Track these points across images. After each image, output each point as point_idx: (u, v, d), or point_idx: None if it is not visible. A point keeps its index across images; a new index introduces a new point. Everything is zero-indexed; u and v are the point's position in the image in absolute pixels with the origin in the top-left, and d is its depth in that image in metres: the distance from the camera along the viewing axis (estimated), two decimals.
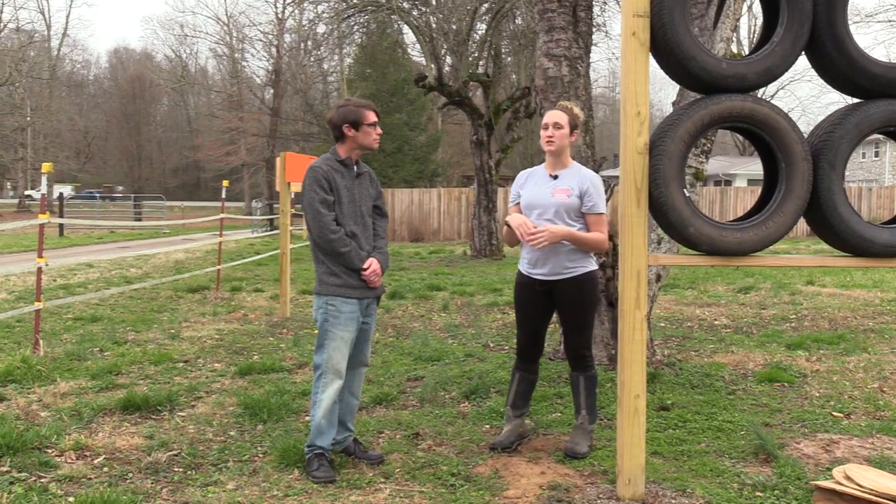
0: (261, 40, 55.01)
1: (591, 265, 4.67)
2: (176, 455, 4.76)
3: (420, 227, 28.44)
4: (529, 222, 4.51)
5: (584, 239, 4.54)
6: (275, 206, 32.35)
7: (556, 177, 4.67)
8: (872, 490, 3.81)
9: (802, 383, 6.38)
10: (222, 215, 12.31)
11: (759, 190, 28.75)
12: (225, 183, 12.42)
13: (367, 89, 38.23)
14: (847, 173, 49.84)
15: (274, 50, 53.04)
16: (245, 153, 52.98)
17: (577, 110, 4.74)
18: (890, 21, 38.04)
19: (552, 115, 4.67)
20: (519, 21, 19.67)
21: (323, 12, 22.58)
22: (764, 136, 3.86)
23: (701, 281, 13.70)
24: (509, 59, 20.92)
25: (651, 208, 3.89)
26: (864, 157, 52.74)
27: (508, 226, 4.62)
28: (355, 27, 23.44)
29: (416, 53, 35.18)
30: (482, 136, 19.04)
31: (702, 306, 10.98)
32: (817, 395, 6.06)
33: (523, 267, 4.80)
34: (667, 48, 3.80)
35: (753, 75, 3.83)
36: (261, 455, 4.77)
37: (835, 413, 5.57)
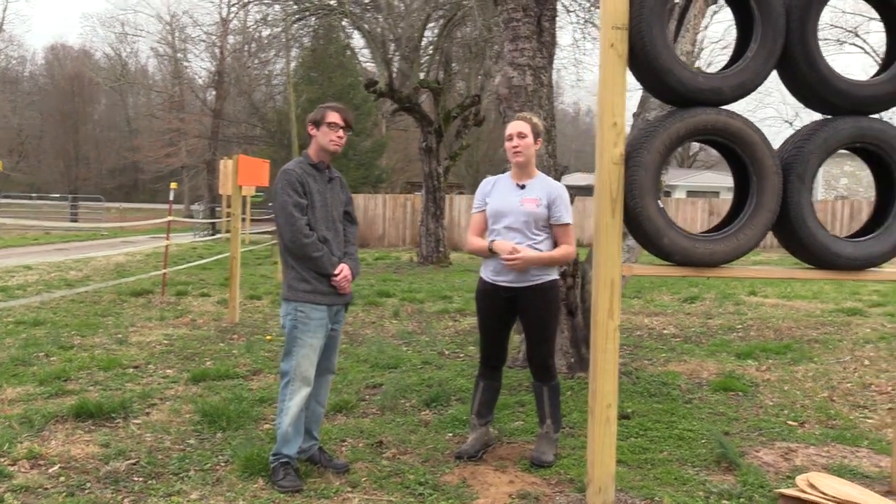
0: (204, 41, 54.26)
1: (554, 274, 4.73)
2: (134, 464, 4.64)
3: (365, 233, 28.28)
4: (511, 246, 4.55)
5: (554, 258, 4.63)
6: (216, 209, 31.95)
7: (523, 186, 4.70)
8: (836, 497, 3.89)
9: (756, 392, 6.50)
10: (170, 218, 12.08)
11: (698, 202, 29.28)
12: (173, 185, 12.19)
13: (312, 93, 37.98)
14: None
15: (217, 51, 52.34)
16: (185, 155, 52.08)
17: (535, 119, 4.79)
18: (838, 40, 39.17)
19: (516, 126, 4.69)
20: (469, 29, 19.73)
21: (268, 15, 22.39)
22: (736, 149, 3.92)
23: (647, 290, 13.89)
24: (459, 66, 20.94)
25: (626, 218, 3.92)
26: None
27: (490, 249, 4.63)
28: (304, 30, 23.24)
29: (363, 59, 35.12)
30: (431, 143, 19.04)
31: (649, 315, 11.13)
32: (771, 403, 6.18)
33: (486, 274, 4.79)
34: (645, 60, 3.83)
35: (728, 89, 3.89)
36: (223, 464, 4.67)
37: (790, 422, 5.68)
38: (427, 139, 19.10)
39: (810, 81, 3.96)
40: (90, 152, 63.08)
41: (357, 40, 27.91)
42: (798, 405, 6.15)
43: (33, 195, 48.24)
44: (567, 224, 4.63)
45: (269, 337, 8.90)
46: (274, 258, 20.55)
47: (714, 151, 3.76)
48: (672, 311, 11.62)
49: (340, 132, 4.47)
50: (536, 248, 4.60)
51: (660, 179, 3.99)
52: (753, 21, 3.94)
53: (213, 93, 53.98)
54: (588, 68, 66.99)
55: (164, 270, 12.24)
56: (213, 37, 52.57)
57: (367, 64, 27.39)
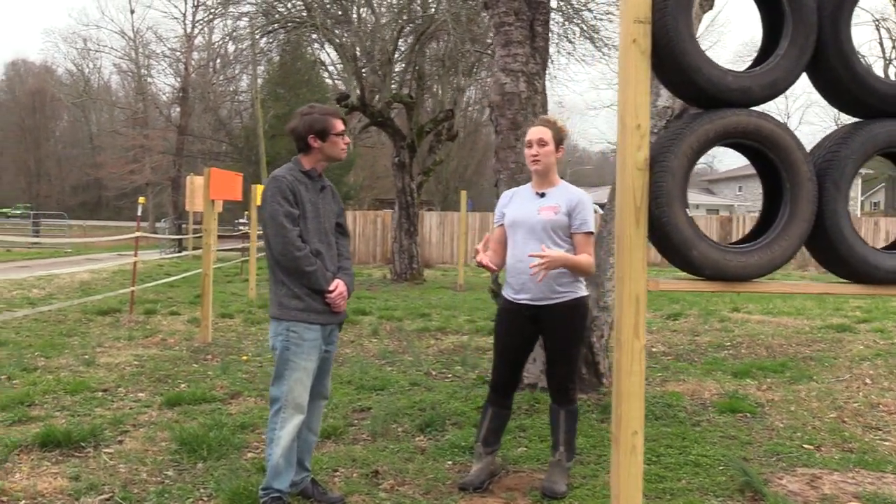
0: (168, 57, 53.59)
1: (581, 291, 4.37)
2: (108, 499, 4.25)
3: None
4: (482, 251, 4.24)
5: (577, 263, 4.24)
6: (182, 226, 31.31)
7: (542, 195, 4.37)
8: None
9: (763, 413, 6.22)
10: (138, 234, 11.61)
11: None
12: (141, 200, 11.75)
13: (280, 109, 37.57)
14: (748, 203, 51.28)
15: (182, 67, 51.68)
16: (150, 172, 51.26)
17: (560, 123, 4.44)
18: None
19: (536, 132, 4.36)
20: (442, 43, 19.47)
21: (234, 31, 21.93)
22: (768, 153, 3.63)
23: None
24: (431, 81, 20.66)
25: (651, 229, 3.60)
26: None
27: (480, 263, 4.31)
28: (271, 45, 22.84)
29: (332, 74, 34.71)
30: (404, 158, 18.71)
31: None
32: (781, 425, 5.89)
33: (508, 293, 4.46)
34: (670, 57, 3.53)
35: (759, 89, 3.59)
36: (205, 498, 4.29)
37: (805, 445, 5.40)
38: (400, 154, 18.77)
39: (844, 81, 3.68)
40: (52, 169, 62.03)
41: (325, 55, 27.52)
42: (809, 427, 5.87)
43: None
44: (590, 233, 4.30)
45: (244, 357, 8.49)
46: (244, 275, 20.07)
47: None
48: (657, 328, 11.35)
49: (346, 137, 4.15)
50: None
51: (687, 186, 3.68)
52: (783, 16, 3.66)
53: (178, 109, 53.31)
54: (562, 83, 66.89)
55: (132, 288, 11.76)
56: (178, 53, 52.00)
57: (335, 80, 26.92)
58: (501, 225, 4.49)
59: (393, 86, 18.66)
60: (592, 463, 4.88)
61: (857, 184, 50.29)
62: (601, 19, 19.52)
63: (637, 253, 3.57)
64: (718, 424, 5.86)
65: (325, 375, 4.26)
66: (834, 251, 3.70)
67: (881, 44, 47.54)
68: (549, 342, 4.39)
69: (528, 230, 4.31)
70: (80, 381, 6.90)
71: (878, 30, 47.27)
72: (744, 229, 30.40)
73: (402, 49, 19.36)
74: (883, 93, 3.68)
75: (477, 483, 4.40)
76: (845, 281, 3.85)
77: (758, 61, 3.79)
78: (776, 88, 3.63)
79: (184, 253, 25.16)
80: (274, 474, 3.98)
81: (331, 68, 24.13)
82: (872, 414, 6.29)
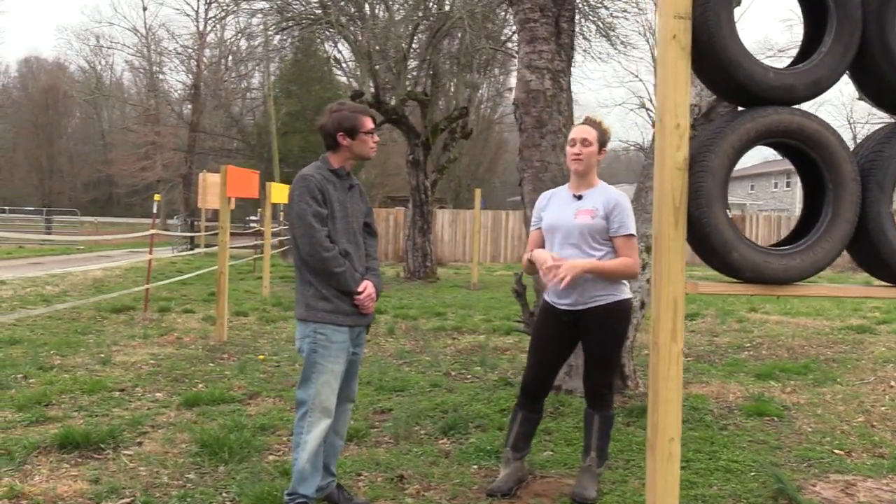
0: (180, 54, 53.59)
1: (624, 293, 4.26)
2: (129, 503, 4.16)
3: None
4: (549, 257, 4.11)
5: (609, 269, 4.13)
6: (195, 223, 31.30)
7: (580, 197, 4.26)
8: None
9: (790, 417, 6.11)
10: (153, 231, 11.55)
11: None
12: (156, 197, 11.71)
13: (292, 106, 37.52)
14: (760, 202, 50.94)
15: (194, 64, 51.68)
16: (161, 169, 51.29)
17: (605, 125, 4.33)
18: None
19: (580, 131, 4.25)
20: (457, 41, 19.38)
21: (247, 28, 21.89)
22: (811, 153, 3.52)
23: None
24: (446, 79, 20.57)
25: (690, 230, 3.51)
26: (776, 186, 54.33)
27: (530, 260, 4.23)
28: (288, 41, 22.79)
29: (344, 71, 34.61)
30: (419, 156, 18.63)
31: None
32: (810, 430, 5.78)
33: (549, 297, 4.36)
34: (711, 53, 3.43)
35: (802, 87, 3.49)
36: (228, 502, 4.20)
37: (835, 450, 5.29)
38: (414, 152, 18.69)
39: (889, 79, 3.58)
40: (64, 165, 62.11)
41: (338, 52, 27.42)
42: (838, 431, 5.76)
43: (6, 209, 47.31)
44: (629, 235, 4.18)
45: (261, 357, 8.42)
46: (257, 273, 20.03)
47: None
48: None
49: (375, 136, 4.07)
50: None
51: (727, 187, 3.58)
52: (827, 13, 3.55)
53: (189, 106, 53.31)
54: (577, 81, 66.60)
55: (146, 286, 11.70)
56: (190, 50, 52.02)
57: (348, 77, 26.81)
58: (539, 228, 4.40)
59: (407, 83, 18.55)
60: (620, 468, 4.79)
61: None
62: (617, 17, 19.42)
63: (675, 255, 3.48)
64: (746, 428, 5.75)
65: (352, 378, 4.17)
66: (876, 253, 3.60)
67: None
68: (587, 346, 4.30)
69: (564, 235, 4.21)
70: (96, 381, 6.84)
71: None
72: (756, 228, 30.22)
73: (416, 47, 19.28)
74: None
75: (505, 489, 4.31)
76: (887, 284, 3.75)
77: (799, 59, 3.69)
78: (820, 86, 3.53)
79: (196, 250, 25.12)
80: (300, 479, 3.89)
81: (344, 66, 23.99)
82: None
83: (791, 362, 8.42)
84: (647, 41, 52.80)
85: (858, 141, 4.62)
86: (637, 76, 73.07)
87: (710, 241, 3.46)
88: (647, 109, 55.87)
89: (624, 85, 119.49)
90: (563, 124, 6.25)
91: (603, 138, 4.25)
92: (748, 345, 9.76)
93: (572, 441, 5.28)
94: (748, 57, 3.46)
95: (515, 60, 30.94)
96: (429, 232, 19.12)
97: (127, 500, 4.19)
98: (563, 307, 4.25)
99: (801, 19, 3.78)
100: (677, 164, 3.47)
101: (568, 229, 4.19)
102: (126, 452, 5.01)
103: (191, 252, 23.13)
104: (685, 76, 3.48)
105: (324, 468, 4.07)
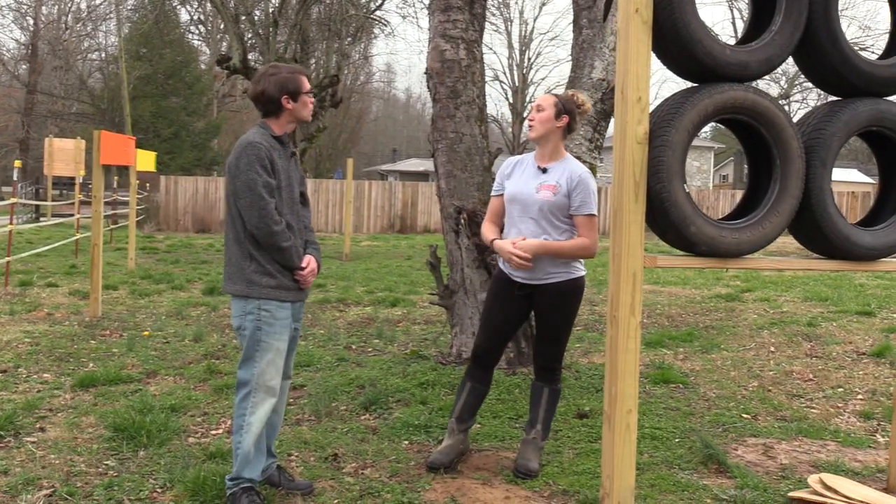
0: (14, 10, 50.11)
1: (578, 271, 4.26)
2: (51, 495, 3.86)
3: (206, 217, 26.91)
4: (510, 244, 4.10)
5: (562, 249, 4.13)
6: (40, 190, 29.52)
7: (545, 170, 4.22)
8: (861, 501, 3.69)
9: (694, 384, 6.34)
10: (14, 200, 10.76)
11: None
12: (17, 163, 10.87)
13: (142, 70, 35.83)
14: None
15: (30, 21, 48.41)
16: None
17: (577, 96, 4.29)
18: None
19: (539, 98, 4.24)
20: (325, 5, 18.97)
21: None
22: (761, 129, 3.62)
23: None
24: (316, 45, 20.11)
25: (649, 204, 3.54)
26: None
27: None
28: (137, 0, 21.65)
29: (200, 35, 33.27)
30: None
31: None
32: (714, 395, 6.03)
33: (504, 266, 4.32)
34: (672, 29, 3.45)
35: (756, 64, 3.57)
36: (159, 489, 3.96)
37: (743, 415, 5.53)
38: None
39: (832, 60, 3.71)
40: None
41: (186, 13, 26.22)
42: (739, 396, 6.03)
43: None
44: (589, 215, 4.16)
45: (146, 332, 8.01)
46: (115, 244, 19.09)
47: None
48: None
49: (311, 97, 3.89)
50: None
51: (685, 161, 3.63)
52: None
53: (25, 66, 49.93)
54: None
55: (7, 258, 10.91)
56: (25, 6, 48.70)
57: (200, 41, 25.80)
58: (500, 195, 4.34)
59: (277, 48, 18.01)
60: (551, 439, 4.82)
61: (710, 157, 52.58)
62: None
63: (635, 228, 3.51)
64: (657, 396, 5.94)
65: (290, 354, 4.00)
66: (817, 227, 3.75)
67: (733, 23, 49.72)
68: (540, 322, 4.29)
69: (524, 208, 4.17)
70: None
71: (731, 10, 49.40)
72: None
73: (284, 12, 18.72)
74: (867, 73, 3.74)
75: (446, 461, 4.25)
76: (822, 257, 3.92)
77: (747, 38, 3.78)
78: (771, 64, 3.63)
79: (43, 221, 23.68)
80: (244, 463, 3.70)
81: (199, 28, 23.05)
82: (790, 382, 6.53)
83: (675, 330, 8.76)
84: (502, 13, 53.30)
85: None
86: (491, 48, 73.84)
87: (669, 215, 3.50)
88: (501, 82, 56.67)
89: None
90: (476, 95, 6.19)
91: (562, 107, 4.18)
92: None
93: (498, 413, 5.29)
94: (707, 34, 3.50)
95: (376, 28, 30.31)
96: None
97: (47, 491, 3.88)
98: (518, 279, 4.23)
99: None
100: (638, 137, 3.48)
101: (528, 203, 4.15)
102: (29, 440, 4.65)
103: (38, 224, 21.74)
104: (646, 50, 3.49)
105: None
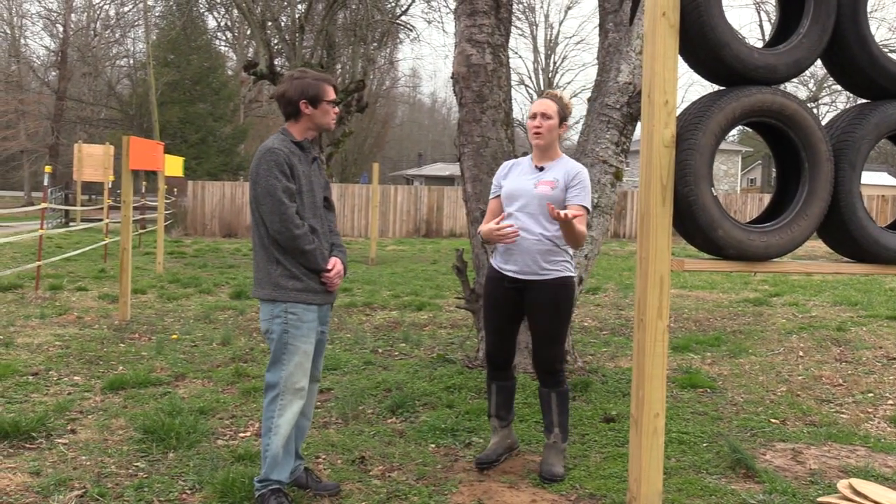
0: (44, 17, 50.82)
1: (569, 270, 4.28)
2: (82, 495, 3.91)
3: (233, 222, 27.11)
4: (490, 224, 4.15)
5: (573, 224, 4.03)
6: (69, 196, 29.86)
7: (541, 168, 4.27)
8: None
9: (722, 388, 6.31)
10: (44, 205, 10.91)
11: None
12: (47, 168, 11.02)
13: (169, 76, 36.17)
14: None
15: (59, 28, 49.03)
16: (25, 139, 48.63)
17: (567, 99, 4.33)
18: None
19: (540, 105, 4.25)
20: (351, 11, 19.06)
21: None
22: (790, 133, 3.60)
23: None
24: (342, 51, 20.22)
25: (676, 207, 3.53)
26: None
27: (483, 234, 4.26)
28: (157, 7, 21.86)
29: (227, 41, 33.51)
30: None
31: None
32: (742, 400, 5.99)
33: (496, 261, 4.35)
34: (700, 32, 3.45)
35: (784, 67, 3.56)
36: (188, 491, 4.01)
37: (772, 419, 5.49)
38: None
39: (861, 63, 3.69)
40: None
41: (213, 20, 26.45)
42: (768, 401, 5.99)
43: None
44: (583, 207, 4.19)
45: (174, 336, 8.09)
46: (143, 248, 19.28)
47: None
48: (580, 302, 11.43)
49: (336, 107, 3.92)
50: (552, 238, 4.17)
51: (713, 165, 3.62)
52: None
53: (55, 73, 50.61)
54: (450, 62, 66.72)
55: (38, 262, 11.06)
56: (55, 14, 49.36)
57: (227, 47, 26.01)
58: (497, 196, 4.38)
59: (304, 54, 18.12)
60: (577, 442, 4.83)
61: (738, 161, 52.23)
62: None
63: (662, 232, 3.50)
64: (684, 400, 5.91)
65: (318, 357, 4.03)
66: (846, 231, 3.72)
67: (761, 26, 49.37)
68: (534, 323, 4.28)
69: (522, 203, 4.22)
70: (5, 365, 6.41)
71: (759, 12, 49.06)
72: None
73: (310, 18, 18.83)
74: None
75: (494, 457, 4.36)
76: (851, 260, 3.89)
77: (775, 40, 3.76)
78: (799, 67, 3.61)
79: (73, 226, 23.95)
80: (272, 465, 3.74)
81: (227, 34, 23.26)
82: (819, 387, 6.47)
83: (702, 334, 8.71)
84: (527, 18, 53.23)
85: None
86: (516, 52, 73.88)
87: (696, 218, 3.49)
88: (526, 86, 56.71)
89: None
90: (502, 99, 6.21)
91: (564, 112, 4.27)
92: None
93: (524, 417, 5.30)
94: (735, 36, 3.50)
95: (402, 33, 30.44)
96: None
97: (78, 492, 3.94)
98: (508, 273, 4.25)
99: (776, 1, 3.85)
100: (665, 141, 3.48)
101: (527, 198, 4.20)
102: (61, 441, 4.71)
103: (68, 228, 21.98)
104: (674, 53, 3.49)
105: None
